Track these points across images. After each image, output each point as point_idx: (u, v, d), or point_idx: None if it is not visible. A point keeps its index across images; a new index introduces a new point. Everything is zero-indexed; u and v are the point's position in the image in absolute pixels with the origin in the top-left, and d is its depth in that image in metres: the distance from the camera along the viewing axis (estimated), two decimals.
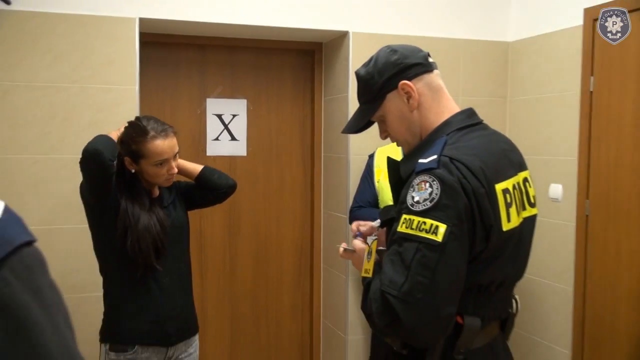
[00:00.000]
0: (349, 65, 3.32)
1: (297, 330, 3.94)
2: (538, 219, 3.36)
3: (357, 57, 3.28)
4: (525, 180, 1.71)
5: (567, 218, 3.15)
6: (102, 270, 2.43)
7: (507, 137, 1.77)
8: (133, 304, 2.35)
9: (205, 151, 3.66)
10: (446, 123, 1.66)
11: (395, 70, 1.68)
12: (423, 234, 1.47)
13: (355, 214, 3.02)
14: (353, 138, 3.34)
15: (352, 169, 3.34)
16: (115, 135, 2.35)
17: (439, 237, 1.45)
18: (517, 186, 1.64)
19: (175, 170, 2.36)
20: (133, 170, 2.33)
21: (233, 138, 3.71)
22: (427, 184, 1.50)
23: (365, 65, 1.75)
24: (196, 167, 2.62)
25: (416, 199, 1.50)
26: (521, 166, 1.72)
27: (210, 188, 2.59)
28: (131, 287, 2.37)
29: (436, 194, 1.48)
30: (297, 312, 3.93)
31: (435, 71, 1.72)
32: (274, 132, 3.83)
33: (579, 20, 3.06)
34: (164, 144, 2.29)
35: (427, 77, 1.69)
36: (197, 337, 2.58)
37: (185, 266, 2.53)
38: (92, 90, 3.03)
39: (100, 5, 3.03)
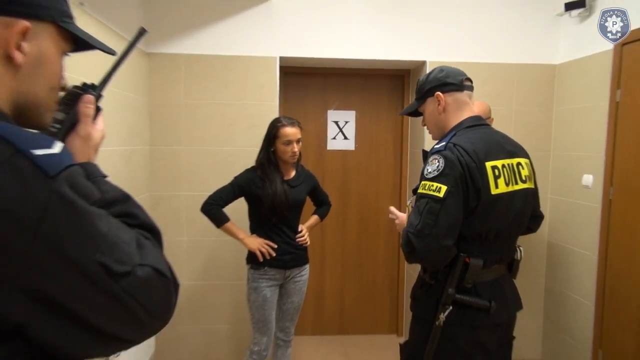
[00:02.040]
0: None
1: (388, 275, 4.07)
2: (573, 201, 3.35)
3: None
4: (518, 164, 1.76)
5: (595, 201, 3.11)
6: (250, 228, 2.78)
7: (505, 135, 1.83)
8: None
9: (326, 147, 3.85)
10: (459, 124, 1.79)
11: (436, 84, 1.81)
12: (431, 192, 1.59)
13: None
14: (428, 136, 3.32)
15: None
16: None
17: (441, 194, 1.58)
18: (507, 166, 1.70)
19: (296, 149, 2.63)
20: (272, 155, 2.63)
21: (345, 137, 3.88)
22: (436, 160, 1.63)
23: (424, 75, 1.87)
24: (314, 222, 2.94)
25: (429, 169, 1.63)
26: (513, 154, 1.76)
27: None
28: (264, 233, 2.72)
29: (441, 166, 1.60)
30: (388, 262, 4.05)
31: (466, 91, 1.80)
32: (374, 133, 3.92)
33: (610, 45, 2.98)
34: (290, 129, 2.63)
35: (457, 94, 1.80)
36: (307, 266, 2.84)
37: (298, 223, 2.82)
38: (248, 105, 3.29)
39: (255, 49, 3.28)
